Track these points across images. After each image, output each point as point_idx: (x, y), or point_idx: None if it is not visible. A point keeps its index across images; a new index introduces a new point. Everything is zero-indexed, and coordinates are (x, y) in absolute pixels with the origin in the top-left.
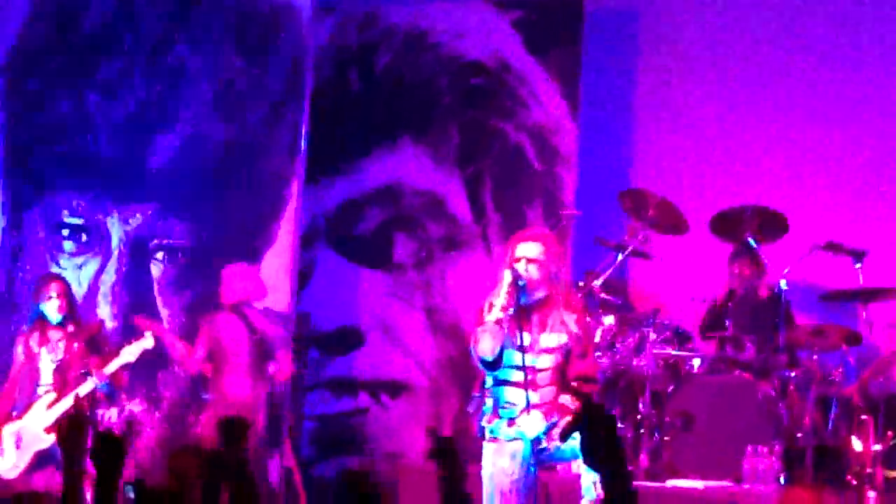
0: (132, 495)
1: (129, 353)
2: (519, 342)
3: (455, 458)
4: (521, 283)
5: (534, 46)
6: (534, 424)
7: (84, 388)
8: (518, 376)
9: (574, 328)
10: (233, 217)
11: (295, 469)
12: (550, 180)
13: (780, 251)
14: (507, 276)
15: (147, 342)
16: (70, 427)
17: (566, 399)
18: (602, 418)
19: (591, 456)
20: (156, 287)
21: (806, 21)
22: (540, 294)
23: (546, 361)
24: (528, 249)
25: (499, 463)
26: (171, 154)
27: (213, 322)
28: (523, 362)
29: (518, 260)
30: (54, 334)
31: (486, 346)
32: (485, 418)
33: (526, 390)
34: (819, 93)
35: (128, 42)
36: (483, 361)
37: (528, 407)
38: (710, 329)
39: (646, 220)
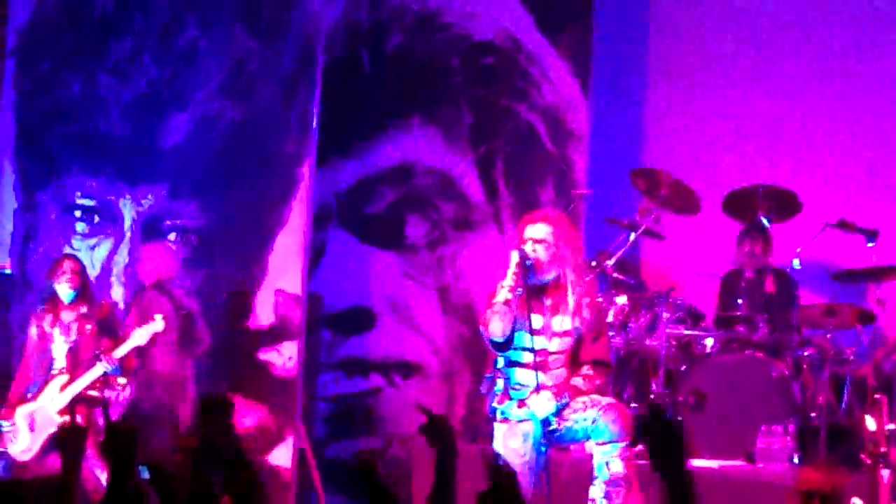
0: (146, 476)
1: (140, 336)
2: (529, 324)
3: (446, 436)
4: (528, 263)
5: (545, 25)
6: (544, 405)
7: (95, 372)
8: (528, 358)
9: (586, 312)
10: (244, 197)
11: (308, 450)
12: (562, 160)
13: (793, 230)
14: (514, 257)
15: (158, 325)
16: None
17: (578, 381)
18: (665, 427)
19: (657, 462)
20: None
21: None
22: (549, 276)
23: (558, 344)
24: (536, 231)
25: (510, 444)
26: (182, 135)
27: (142, 301)
28: (533, 344)
29: (525, 241)
30: (67, 315)
31: (495, 327)
32: (496, 399)
33: (536, 372)
34: (832, 71)
35: (139, 22)
36: (493, 342)
37: (539, 388)
38: (724, 309)
39: (658, 199)
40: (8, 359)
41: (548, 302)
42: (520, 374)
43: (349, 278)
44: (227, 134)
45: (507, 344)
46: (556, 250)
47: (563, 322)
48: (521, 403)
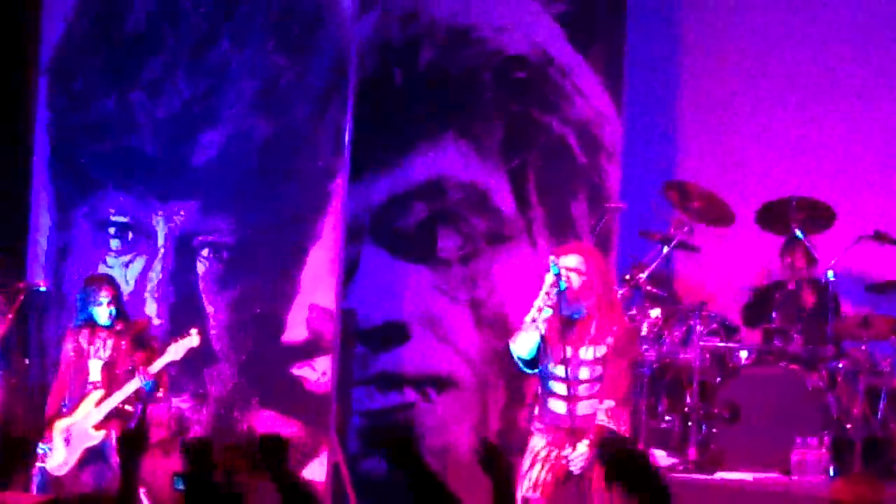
0: (181, 487)
1: (175, 352)
2: (562, 355)
3: (503, 465)
4: (562, 285)
5: (577, 39)
6: (581, 458)
7: (130, 386)
8: (561, 388)
9: (611, 339)
10: (277, 213)
11: (342, 464)
12: (595, 173)
13: (827, 242)
14: (549, 278)
15: (193, 340)
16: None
17: (603, 419)
18: (625, 455)
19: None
20: (201, 284)
21: (851, 11)
22: (582, 306)
23: (587, 373)
24: (569, 261)
25: (531, 474)
26: (215, 151)
27: None
28: (566, 375)
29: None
30: (102, 332)
31: (517, 344)
32: (534, 426)
33: (569, 403)
34: (865, 82)
35: (171, 40)
36: (519, 359)
37: (574, 424)
38: (754, 317)
39: (691, 211)
40: (43, 374)
41: (577, 331)
42: (553, 404)
43: (382, 293)
44: (259, 150)
45: (532, 363)
46: (587, 280)
47: (593, 351)
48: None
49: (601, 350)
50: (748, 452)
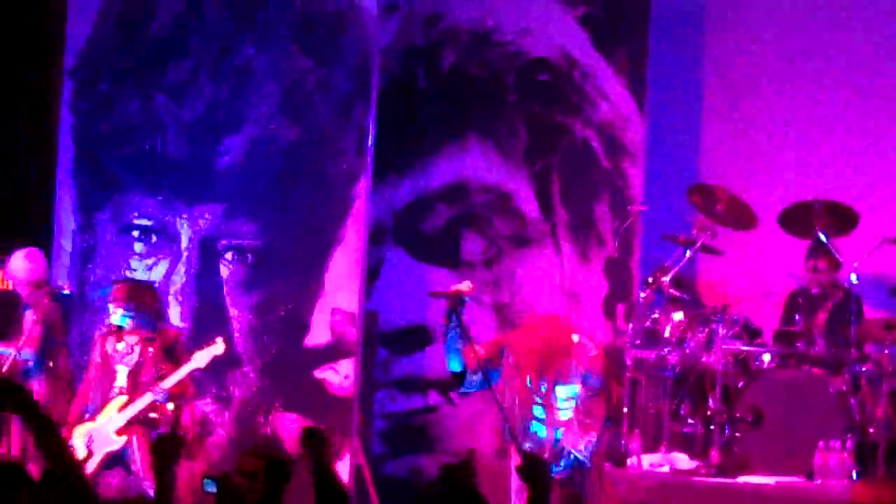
0: (212, 489)
1: (200, 359)
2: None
3: (542, 476)
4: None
5: (600, 42)
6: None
7: (146, 399)
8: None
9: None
10: (300, 216)
11: (365, 467)
12: (618, 176)
13: (850, 245)
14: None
15: (218, 348)
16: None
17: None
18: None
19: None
20: (224, 287)
21: (877, 12)
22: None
23: (566, 404)
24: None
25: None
26: (238, 154)
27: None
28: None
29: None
30: (130, 338)
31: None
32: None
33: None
34: (890, 84)
35: (195, 43)
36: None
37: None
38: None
39: (714, 215)
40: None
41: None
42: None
43: (405, 296)
44: (283, 153)
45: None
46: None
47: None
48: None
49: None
50: (771, 456)
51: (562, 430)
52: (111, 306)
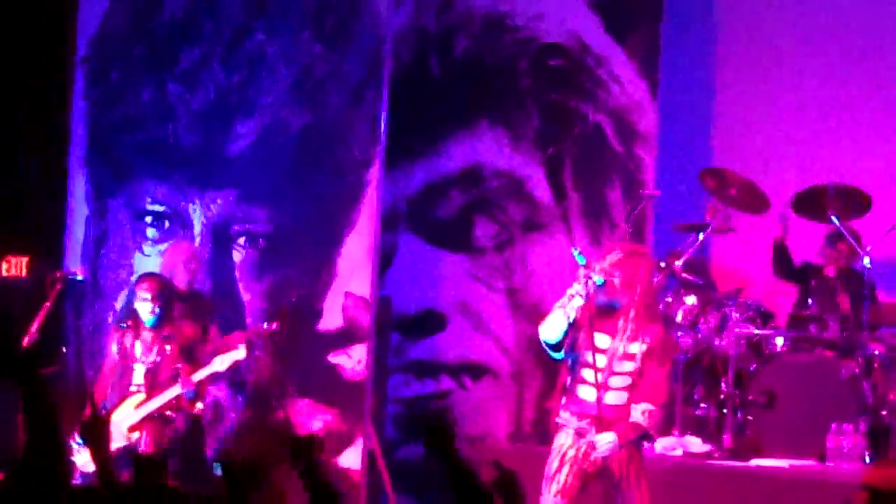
0: (220, 472)
1: (220, 363)
2: (593, 342)
3: (516, 492)
4: (598, 280)
5: (613, 27)
6: (606, 445)
7: (171, 393)
8: (591, 376)
9: (653, 340)
10: (313, 202)
11: (378, 452)
12: (630, 160)
13: (863, 228)
14: (582, 269)
15: (240, 353)
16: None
17: (638, 418)
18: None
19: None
20: (237, 273)
21: None
22: (619, 300)
23: (621, 366)
24: (613, 256)
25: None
26: (251, 140)
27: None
28: (595, 362)
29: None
30: (148, 335)
31: (546, 329)
32: (560, 416)
33: (598, 391)
34: None
35: (207, 30)
36: (546, 343)
37: (602, 419)
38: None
39: (727, 199)
40: (79, 363)
41: (618, 324)
42: (583, 392)
43: (418, 281)
44: (295, 139)
45: (558, 347)
46: (629, 280)
47: (628, 346)
48: (581, 432)
49: (635, 347)
50: (784, 439)
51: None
52: (141, 303)
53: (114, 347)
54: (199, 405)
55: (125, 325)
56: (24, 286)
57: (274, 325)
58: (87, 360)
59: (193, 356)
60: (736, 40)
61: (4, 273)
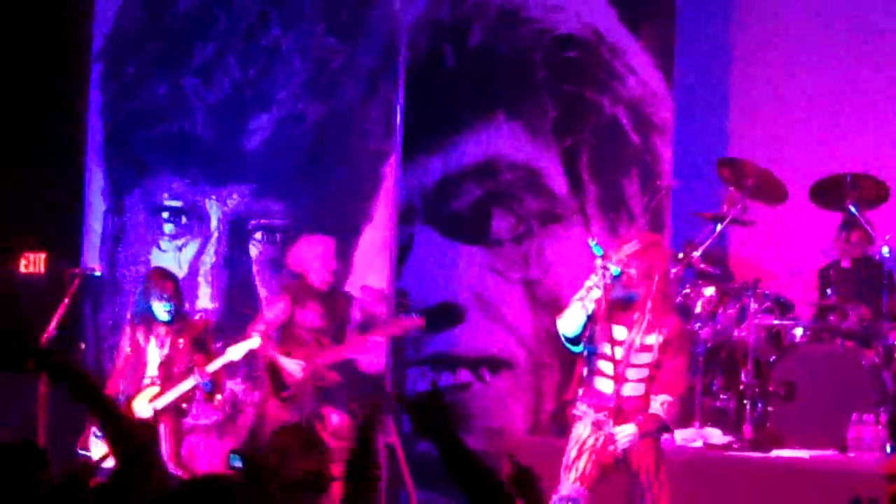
0: (238, 464)
1: (235, 352)
2: (610, 334)
3: (533, 488)
4: (615, 270)
5: (628, 18)
6: (627, 437)
7: (185, 385)
8: (609, 368)
9: (669, 332)
10: (329, 195)
11: (397, 445)
12: (646, 152)
13: (882, 218)
14: (598, 261)
15: (254, 342)
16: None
17: (658, 409)
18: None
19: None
20: (254, 267)
21: None
22: (635, 292)
23: (638, 358)
24: (630, 247)
25: (579, 429)
26: (267, 134)
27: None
28: (613, 353)
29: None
30: (161, 329)
31: (565, 322)
32: (577, 408)
33: (616, 383)
34: None
35: (222, 24)
36: (564, 337)
37: (620, 409)
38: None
39: (744, 189)
40: (98, 358)
41: (634, 316)
42: (601, 384)
43: (435, 274)
44: (310, 132)
45: (576, 340)
46: (646, 271)
47: (644, 338)
48: (599, 424)
49: (653, 339)
50: (804, 430)
51: (629, 387)
52: (157, 300)
53: (126, 342)
54: (219, 397)
55: (138, 320)
56: (42, 283)
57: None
58: (105, 356)
59: (206, 347)
60: (751, 29)
61: (23, 270)
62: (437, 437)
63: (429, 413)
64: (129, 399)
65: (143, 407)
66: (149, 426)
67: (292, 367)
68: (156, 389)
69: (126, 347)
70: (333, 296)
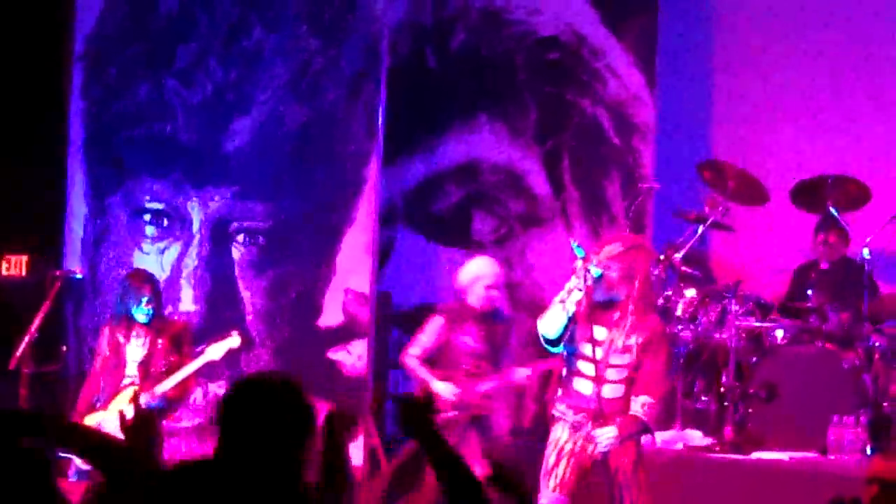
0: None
1: (215, 352)
2: (590, 335)
3: (519, 488)
4: (596, 272)
5: (609, 19)
6: (607, 439)
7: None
8: (589, 369)
9: (649, 333)
10: (311, 198)
11: (379, 448)
12: (628, 154)
13: (863, 220)
14: (579, 262)
15: (233, 341)
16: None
17: (638, 410)
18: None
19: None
20: (237, 270)
21: None
22: (617, 293)
23: (618, 359)
24: (612, 249)
25: (556, 433)
26: (248, 136)
27: None
28: (594, 355)
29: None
30: (140, 329)
31: (545, 324)
32: (555, 409)
33: (596, 384)
34: None
35: (204, 26)
36: (544, 338)
37: (600, 411)
38: (792, 299)
39: (726, 191)
40: (80, 361)
41: (615, 317)
42: (579, 384)
43: (417, 276)
44: (292, 135)
45: (556, 342)
46: (629, 271)
47: (625, 339)
48: (577, 425)
49: (632, 340)
50: (784, 432)
51: (609, 388)
52: (136, 303)
53: (104, 342)
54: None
55: (116, 321)
56: (23, 285)
57: None
58: (86, 359)
59: (181, 349)
60: (733, 31)
61: (4, 272)
62: (423, 436)
63: (418, 412)
64: (108, 401)
65: (123, 407)
66: (148, 424)
67: (446, 392)
68: (136, 389)
69: (105, 349)
70: (492, 319)
